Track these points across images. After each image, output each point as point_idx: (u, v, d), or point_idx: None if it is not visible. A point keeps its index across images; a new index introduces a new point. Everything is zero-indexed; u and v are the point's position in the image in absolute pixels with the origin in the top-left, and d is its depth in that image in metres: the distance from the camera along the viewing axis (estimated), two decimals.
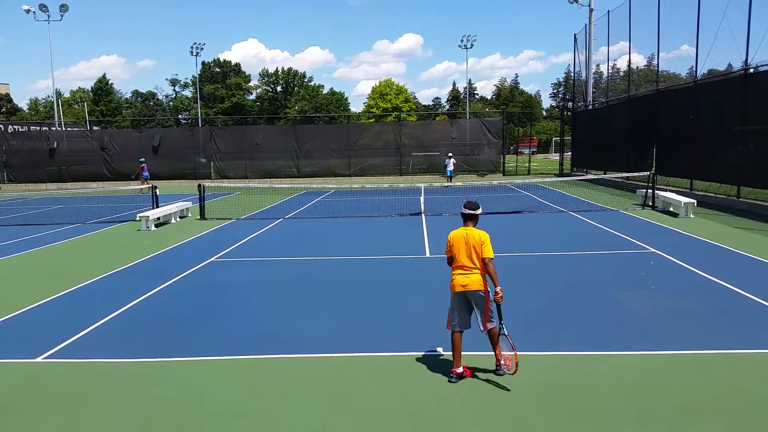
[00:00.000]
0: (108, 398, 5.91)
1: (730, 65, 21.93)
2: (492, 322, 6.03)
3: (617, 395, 5.61)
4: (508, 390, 5.77)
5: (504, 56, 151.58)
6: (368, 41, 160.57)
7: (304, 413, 5.47)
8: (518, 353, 5.80)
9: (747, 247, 12.23)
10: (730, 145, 19.62)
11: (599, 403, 5.48)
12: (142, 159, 35.08)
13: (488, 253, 5.91)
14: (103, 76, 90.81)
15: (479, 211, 6.23)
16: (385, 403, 5.61)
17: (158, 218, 18.36)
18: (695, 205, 17.63)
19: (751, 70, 18.60)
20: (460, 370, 6.01)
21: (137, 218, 18.04)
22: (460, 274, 6.03)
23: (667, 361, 6.39)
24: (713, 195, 20.44)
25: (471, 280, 5.94)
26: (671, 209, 18.27)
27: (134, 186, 31.06)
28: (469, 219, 6.17)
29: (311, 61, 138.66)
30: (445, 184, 31.67)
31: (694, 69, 22.44)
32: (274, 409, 5.57)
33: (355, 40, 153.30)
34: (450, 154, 34.65)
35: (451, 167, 33.39)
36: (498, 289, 5.83)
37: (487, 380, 6.02)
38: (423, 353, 6.77)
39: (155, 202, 20.09)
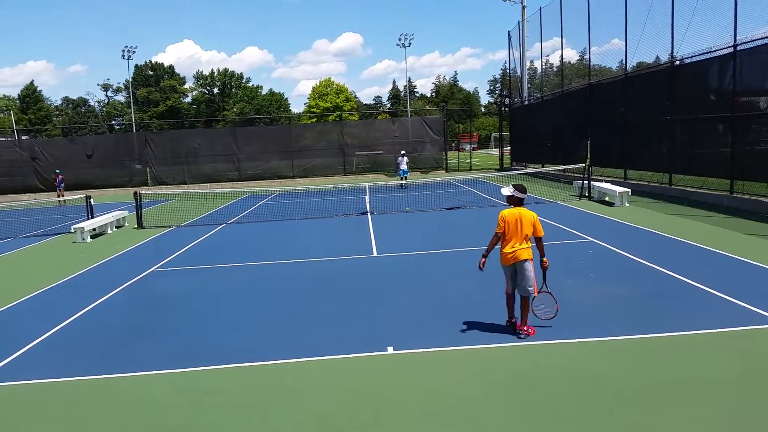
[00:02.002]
0: (51, 419, 5.64)
1: (657, 58, 22.89)
2: (530, 288, 6.89)
3: (567, 384, 5.74)
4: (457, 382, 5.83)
5: (443, 54, 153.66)
6: (307, 40, 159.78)
7: (258, 423, 5.37)
8: (470, 347, 5.88)
9: (680, 233, 12.78)
10: (660, 134, 20.45)
11: (550, 393, 5.59)
12: (57, 170, 34.14)
13: (541, 231, 6.92)
14: (31, 82, 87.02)
15: (526, 195, 7.13)
16: (340, 404, 5.57)
17: (94, 229, 17.71)
18: (630, 194, 18.30)
19: (677, 62, 19.43)
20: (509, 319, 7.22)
21: (72, 230, 17.35)
22: (512, 248, 6.85)
23: (611, 347, 6.60)
24: (646, 183, 21.27)
25: (520, 253, 6.83)
26: (607, 199, 18.90)
27: (67, 197, 29.89)
28: (520, 202, 6.97)
29: (249, 61, 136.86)
30: (401, 182, 29.57)
31: (623, 62, 23.31)
32: (222, 421, 5.44)
33: (293, 39, 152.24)
34: (402, 152, 31.49)
35: (404, 166, 30.07)
36: (545, 259, 6.98)
37: (434, 378, 6.06)
38: (374, 354, 6.76)
39: (90, 213, 19.36)
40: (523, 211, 6.95)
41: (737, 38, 15.90)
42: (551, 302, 7.20)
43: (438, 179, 30.21)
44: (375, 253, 12.80)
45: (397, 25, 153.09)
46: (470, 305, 8.41)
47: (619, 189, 18.26)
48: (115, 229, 19.02)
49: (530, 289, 6.91)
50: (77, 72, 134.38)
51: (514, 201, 7.06)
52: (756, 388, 5.41)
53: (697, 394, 5.37)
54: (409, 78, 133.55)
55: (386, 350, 6.82)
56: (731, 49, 16.17)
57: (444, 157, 40.79)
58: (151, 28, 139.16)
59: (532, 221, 6.89)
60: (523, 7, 37.32)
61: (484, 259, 6.99)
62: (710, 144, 18.14)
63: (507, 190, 7.20)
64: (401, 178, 30.01)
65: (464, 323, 7.66)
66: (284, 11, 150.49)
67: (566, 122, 28.86)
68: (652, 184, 20.95)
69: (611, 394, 5.46)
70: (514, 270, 6.97)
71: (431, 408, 5.42)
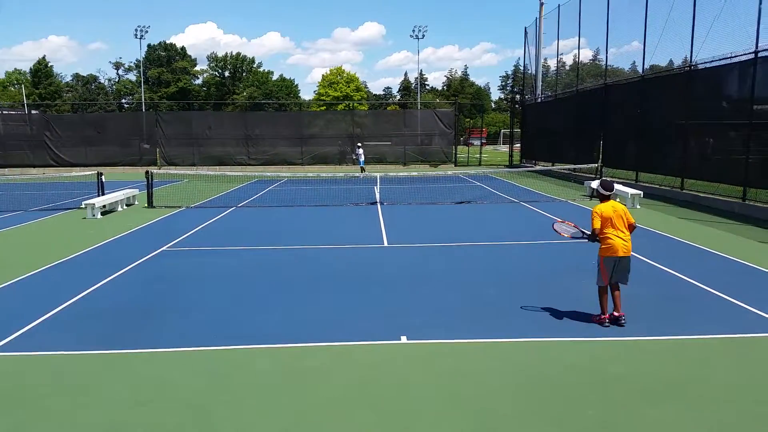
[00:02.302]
0: (65, 392, 5.68)
1: (671, 61, 22.75)
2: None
3: (578, 380, 5.75)
4: (477, 377, 5.84)
5: (461, 48, 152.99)
6: (328, 28, 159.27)
7: (271, 404, 5.40)
8: (483, 340, 6.03)
9: (691, 237, 12.75)
10: (674, 138, 20.35)
11: (561, 388, 5.60)
12: None
13: (633, 219, 7.33)
14: (43, 57, 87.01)
15: (614, 190, 7.54)
16: (349, 392, 5.59)
17: (104, 206, 17.75)
18: (641, 196, 18.25)
19: (695, 67, 19.29)
20: (609, 315, 7.25)
21: (82, 206, 17.39)
22: (621, 239, 7.12)
23: (622, 347, 6.60)
24: (658, 186, 21.19)
25: (629, 246, 7.19)
26: (618, 200, 18.82)
27: (77, 173, 29.95)
28: (609, 197, 7.35)
29: (269, 46, 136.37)
30: (357, 175, 31.34)
31: (637, 64, 23.19)
32: (238, 402, 5.46)
33: (315, 26, 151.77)
34: (359, 144, 34.92)
35: (362, 158, 33.37)
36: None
37: (445, 368, 6.07)
38: (386, 342, 6.77)
39: (101, 189, 19.41)
40: (616, 204, 7.32)
41: (759, 45, 15.78)
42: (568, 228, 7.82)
43: (449, 173, 30.16)
44: (386, 243, 12.80)
45: (420, 17, 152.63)
46: (483, 298, 8.43)
47: (631, 191, 18.20)
48: (125, 207, 19.06)
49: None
50: (97, 49, 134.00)
51: (606, 197, 7.38)
52: (758, 395, 5.41)
53: (700, 395, 5.37)
54: (421, 71, 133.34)
55: (400, 339, 6.83)
56: (752, 56, 16.05)
57: (453, 151, 40.70)
58: (174, 8, 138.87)
59: (625, 211, 7.29)
60: (541, 4, 37.07)
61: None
62: (725, 150, 18.05)
63: (595, 184, 7.76)
64: (361, 168, 33.09)
65: (477, 316, 7.68)
66: None
67: (579, 122, 28.73)
68: (663, 187, 20.87)
69: (624, 393, 5.47)
70: (622, 261, 7.18)
71: (443, 398, 5.43)
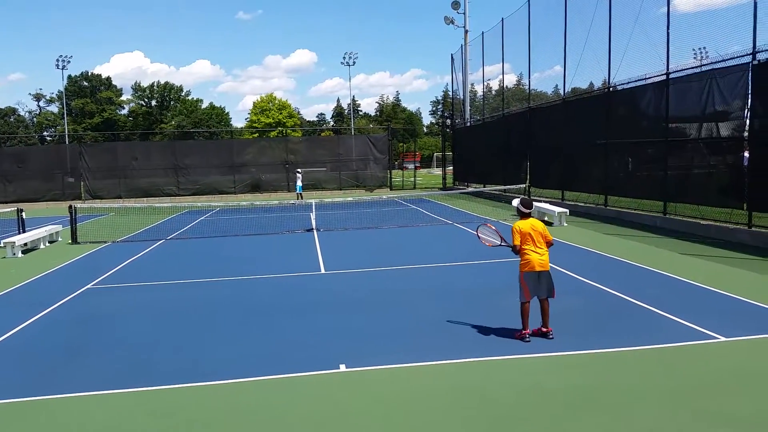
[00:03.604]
0: None
1: (591, 84, 23.83)
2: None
3: (517, 397, 5.81)
4: (416, 396, 5.80)
5: (392, 74, 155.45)
6: (259, 55, 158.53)
7: None
8: (422, 363, 6.05)
9: (618, 252, 13.25)
10: (596, 157, 21.22)
11: (501, 406, 5.64)
12: None
13: (551, 236, 7.66)
14: None
15: (533, 209, 7.97)
16: (287, 426, 5.44)
17: (25, 244, 16.82)
18: (568, 214, 18.86)
19: (617, 88, 20.26)
20: (529, 330, 7.44)
21: (1, 245, 16.44)
22: (538, 254, 7.41)
23: (552, 362, 6.72)
24: (583, 204, 21.98)
25: (546, 260, 7.46)
26: (546, 218, 19.36)
27: None
28: (529, 215, 7.67)
29: (198, 74, 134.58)
30: (293, 201, 29.73)
31: (559, 87, 24.15)
32: None
33: (245, 54, 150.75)
34: (298, 170, 35.21)
35: (299, 183, 33.92)
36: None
37: (386, 394, 6.02)
38: (325, 372, 6.65)
39: (21, 227, 18.43)
40: (534, 221, 7.68)
41: (670, 66, 16.75)
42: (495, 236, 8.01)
43: (384, 197, 30.34)
44: (323, 270, 12.68)
45: (351, 44, 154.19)
46: (422, 321, 8.44)
47: (557, 209, 18.79)
48: (47, 244, 18.14)
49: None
50: (16, 81, 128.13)
51: (524, 215, 7.70)
52: (687, 402, 5.62)
53: (633, 406, 5.53)
54: (353, 96, 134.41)
55: (338, 368, 6.72)
56: (664, 77, 17.01)
57: (388, 175, 41.04)
58: (99, 36, 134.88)
59: (544, 228, 7.61)
60: (466, 31, 38.25)
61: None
62: (644, 167, 18.95)
63: (515, 202, 8.00)
64: (298, 195, 33.32)
65: (416, 338, 7.67)
66: (237, 25, 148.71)
67: (506, 144, 29.58)
68: (588, 204, 21.67)
69: (560, 407, 5.55)
70: (539, 276, 7.44)
71: (386, 425, 5.36)
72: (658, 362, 6.65)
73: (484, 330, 7.88)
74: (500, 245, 7.89)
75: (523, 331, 7.44)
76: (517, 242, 7.48)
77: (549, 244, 7.55)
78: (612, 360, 6.76)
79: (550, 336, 7.40)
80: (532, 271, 7.41)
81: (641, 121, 19.17)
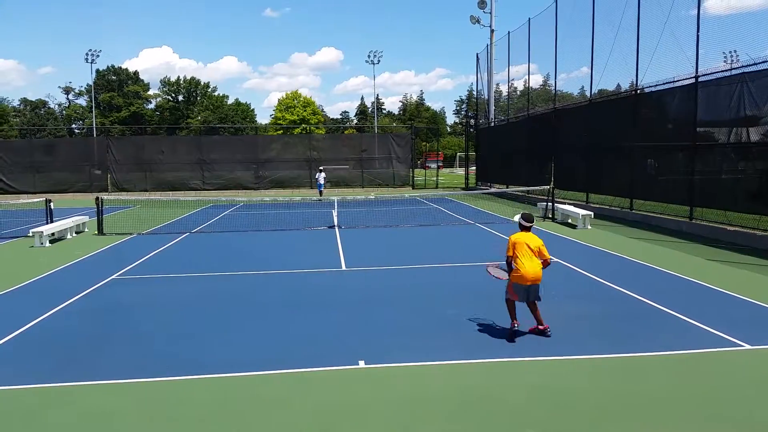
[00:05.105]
0: (4, 428, 5.40)
1: (618, 86, 23.57)
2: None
3: (528, 400, 5.78)
4: (424, 399, 5.81)
5: (417, 73, 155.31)
6: (285, 53, 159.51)
7: None
8: (441, 362, 6.08)
9: (642, 256, 13.08)
10: (622, 160, 20.97)
11: (511, 408, 5.62)
12: None
13: (548, 255, 7.63)
14: None
15: (533, 223, 7.95)
16: (306, 420, 5.48)
17: (53, 234, 17.17)
18: (592, 216, 18.68)
19: (644, 90, 20.00)
20: (517, 321, 7.57)
21: (30, 234, 16.79)
22: (529, 268, 7.42)
23: (576, 365, 6.68)
24: (608, 207, 21.73)
25: (539, 274, 7.48)
26: (570, 221, 19.25)
27: (24, 200, 28.97)
28: (529, 228, 7.78)
29: (225, 71, 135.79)
30: (317, 198, 30.29)
31: (586, 89, 23.92)
32: None
33: (272, 50, 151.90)
34: (321, 168, 34.79)
35: (321, 181, 33.34)
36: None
37: (404, 393, 6.04)
38: (344, 367, 6.69)
39: (49, 217, 18.80)
40: (530, 235, 7.73)
41: (699, 70, 16.49)
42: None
43: (407, 195, 30.34)
44: (344, 267, 12.73)
45: (377, 42, 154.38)
46: (441, 320, 8.44)
47: (582, 212, 18.62)
48: (75, 235, 18.48)
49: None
50: (47, 74, 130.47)
51: (525, 228, 7.81)
52: (709, 409, 5.54)
53: (653, 411, 5.47)
54: (377, 95, 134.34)
55: (358, 364, 6.76)
56: (693, 80, 16.75)
57: (411, 174, 41.01)
58: (129, 31, 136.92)
59: (540, 244, 7.61)
60: (492, 31, 38.02)
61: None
62: (671, 171, 18.68)
63: (517, 217, 8.09)
64: (320, 192, 32.96)
65: (435, 338, 7.67)
66: (265, 23, 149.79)
67: (531, 145, 29.38)
68: (613, 207, 21.43)
69: (581, 411, 5.52)
70: (528, 287, 7.49)
71: (403, 422, 5.38)
72: (682, 368, 6.56)
73: (501, 332, 7.85)
74: (507, 279, 7.81)
75: (514, 321, 7.60)
76: (510, 253, 7.61)
77: (545, 263, 7.61)
78: (633, 365, 6.69)
79: (548, 332, 7.54)
80: (523, 284, 7.49)
81: (668, 124, 18.90)
